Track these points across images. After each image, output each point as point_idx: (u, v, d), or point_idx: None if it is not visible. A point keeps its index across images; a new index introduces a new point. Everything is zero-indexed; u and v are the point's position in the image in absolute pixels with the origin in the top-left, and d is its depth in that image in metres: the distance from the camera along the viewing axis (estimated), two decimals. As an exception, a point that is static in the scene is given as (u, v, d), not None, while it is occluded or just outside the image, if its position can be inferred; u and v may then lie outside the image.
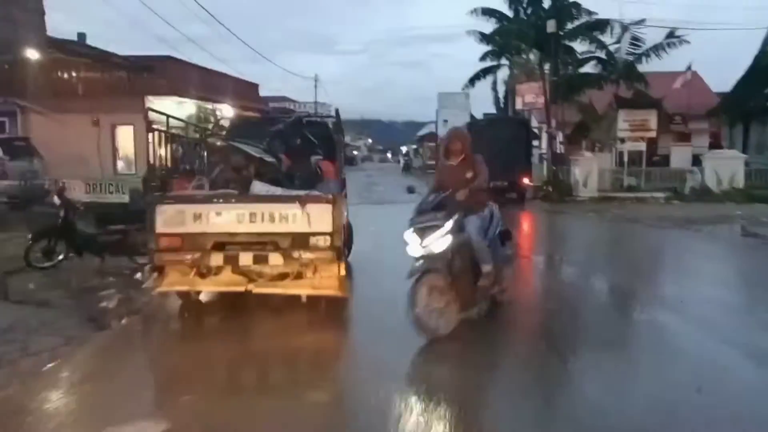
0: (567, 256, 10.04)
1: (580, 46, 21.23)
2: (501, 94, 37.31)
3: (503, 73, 33.02)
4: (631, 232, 12.60)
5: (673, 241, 11.34)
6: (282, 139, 7.18)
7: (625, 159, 19.37)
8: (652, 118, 18.72)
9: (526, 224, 15.24)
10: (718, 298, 6.51)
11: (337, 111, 9.21)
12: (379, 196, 22.14)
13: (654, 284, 7.57)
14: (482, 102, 43.00)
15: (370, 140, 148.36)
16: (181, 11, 20.31)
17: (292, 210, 5.62)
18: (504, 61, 32.98)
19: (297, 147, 7.24)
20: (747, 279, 8.04)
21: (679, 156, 23.34)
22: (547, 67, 23.25)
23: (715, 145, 27.68)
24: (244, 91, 23.13)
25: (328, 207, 5.64)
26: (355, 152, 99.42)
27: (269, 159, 6.63)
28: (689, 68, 27.21)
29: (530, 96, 20.32)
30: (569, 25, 21.10)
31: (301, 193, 5.89)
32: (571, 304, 6.52)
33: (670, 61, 20.25)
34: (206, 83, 19.71)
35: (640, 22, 19.89)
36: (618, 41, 20.06)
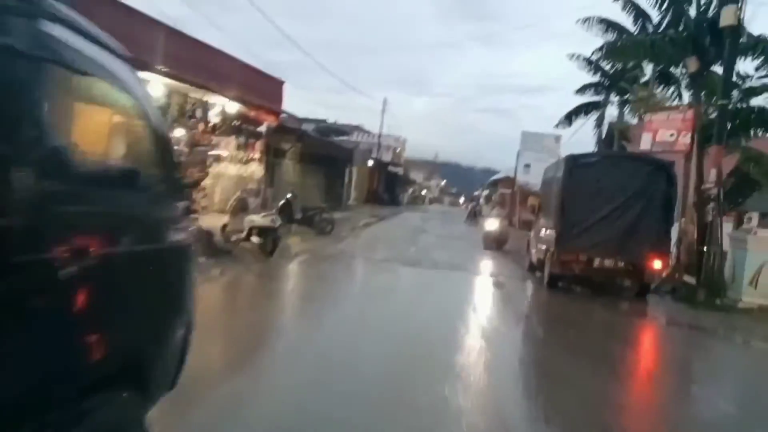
0: None
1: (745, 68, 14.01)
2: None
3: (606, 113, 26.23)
4: None
5: None
6: None
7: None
8: None
9: (645, 363, 7.93)
10: None
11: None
12: (419, 252, 15.50)
13: None
14: (576, 149, 35.25)
15: (443, 182, 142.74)
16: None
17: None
18: (612, 97, 26.14)
19: None
20: None
21: None
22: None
23: None
24: (254, 83, 17.32)
25: None
26: (423, 192, 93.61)
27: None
28: None
29: (668, 132, 13.15)
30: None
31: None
32: None
33: None
34: (193, 60, 14.05)
35: None
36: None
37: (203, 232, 11.05)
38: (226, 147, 17.25)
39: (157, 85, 12.87)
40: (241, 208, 12.84)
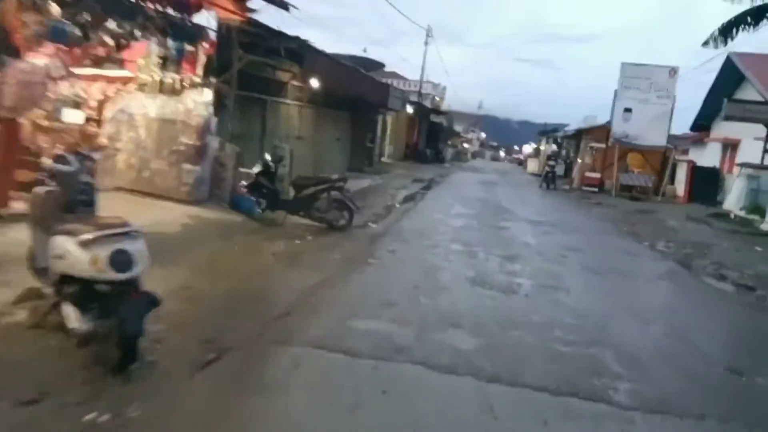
0: None
1: None
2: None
3: None
4: None
5: None
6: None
7: None
8: None
9: None
10: None
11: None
12: (540, 289, 6.71)
13: None
14: (697, 87, 25.46)
15: (483, 134, 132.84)
16: None
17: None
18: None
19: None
20: None
21: None
22: None
23: None
24: None
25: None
26: (466, 145, 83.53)
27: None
28: None
29: None
30: None
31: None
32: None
33: None
34: None
35: None
36: None
37: None
38: (125, 59, 8.72)
39: None
40: (62, 206, 4.29)
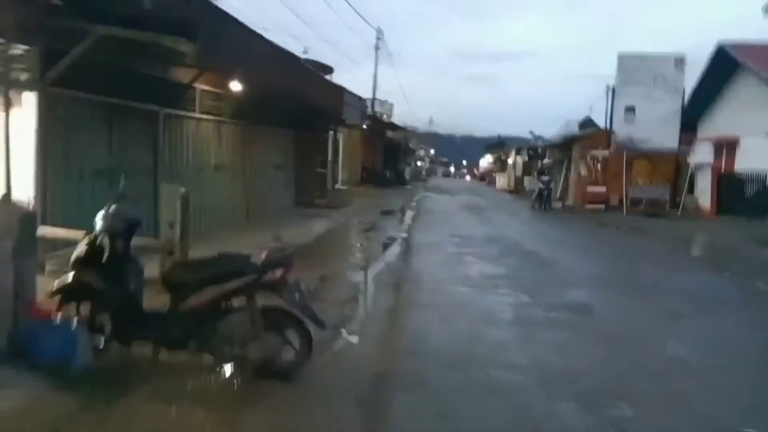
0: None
1: None
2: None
3: None
4: None
5: None
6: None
7: None
8: None
9: None
10: None
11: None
12: None
13: None
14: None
15: (432, 151, 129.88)
16: None
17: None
18: None
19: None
20: None
21: None
22: None
23: None
24: None
25: None
26: (419, 163, 79.10)
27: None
28: None
29: None
30: None
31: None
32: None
33: None
34: None
35: None
36: None
37: None
38: None
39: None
40: None
